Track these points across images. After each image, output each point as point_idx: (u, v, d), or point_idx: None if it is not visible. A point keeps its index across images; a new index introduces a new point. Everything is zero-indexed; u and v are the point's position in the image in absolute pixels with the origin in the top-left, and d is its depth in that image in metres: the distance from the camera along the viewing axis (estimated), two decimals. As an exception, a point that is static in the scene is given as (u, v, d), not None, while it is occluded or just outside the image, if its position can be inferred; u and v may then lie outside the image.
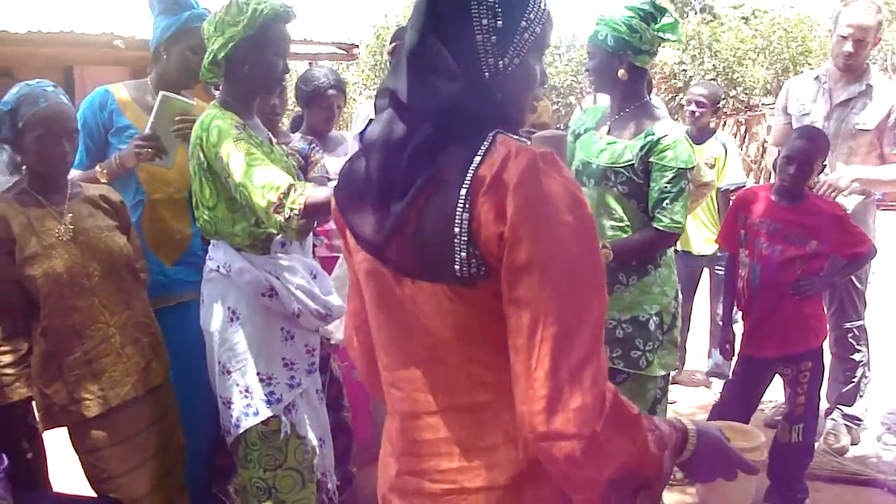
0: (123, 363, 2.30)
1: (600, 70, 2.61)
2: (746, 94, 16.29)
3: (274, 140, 2.49)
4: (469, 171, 1.09)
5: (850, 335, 3.65)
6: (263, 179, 2.07)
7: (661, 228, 2.51)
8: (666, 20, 2.56)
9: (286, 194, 2.03)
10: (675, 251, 4.03)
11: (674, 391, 4.32)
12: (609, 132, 2.66)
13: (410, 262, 1.15)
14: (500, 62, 1.15)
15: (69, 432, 2.31)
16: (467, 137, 1.12)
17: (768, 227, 2.94)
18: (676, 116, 12.97)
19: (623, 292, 2.59)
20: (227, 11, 2.23)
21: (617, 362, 2.58)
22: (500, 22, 1.14)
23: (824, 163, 3.01)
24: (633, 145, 2.54)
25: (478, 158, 1.09)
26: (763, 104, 15.21)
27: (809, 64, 16.30)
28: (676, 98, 15.64)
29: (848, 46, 3.40)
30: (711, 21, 21.11)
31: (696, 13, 24.16)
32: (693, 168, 2.55)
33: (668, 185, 2.48)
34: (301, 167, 2.96)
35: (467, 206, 1.08)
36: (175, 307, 2.66)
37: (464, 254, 1.08)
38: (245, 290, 2.28)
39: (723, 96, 4.63)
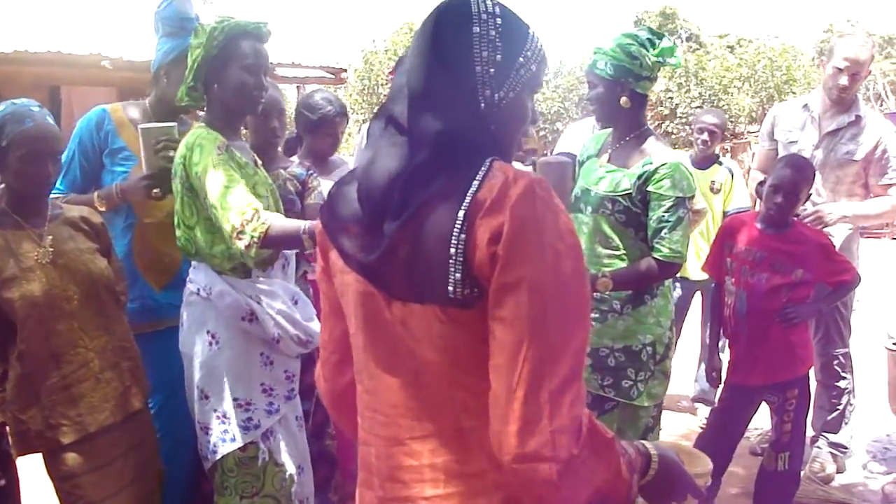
0: (102, 388, 2.25)
1: (602, 99, 2.57)
2: (732, 121, 16.46)
3: (259, 162, 2.47)
4: (468, 193, 1.10)
5: (835, 362, 3.66)
6: (233, 203, 2.06)
7: (660, 259, 2.48)
8: (665, 44, 2.53)
9: (249, 221, 2.03)
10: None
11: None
12: (609, 160, 2.64)
13: (402, 284, 1.15)
14: (496, 95, 1.18)
15: (44, 458, 2.25)
16: (464, 163, 1.14)
17: (754, 256, 2.95)
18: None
19: (617, 321, 2.57)
20: (194, 35, 2.25)
21: (608, 391, 2.55)
22: (499, 56, 1.17)
23: (810, 191, 3.03)
24: (631, 174, 2.51)
25: (476, 182, 1.11)
26: (748, 132, 15.39)
27: (794, 92, 16.51)
28: (663, 125, 15.78)
29: (843, 80, 3.44)
30: (697, 49, 21.42)
31: (682, 42, 24.49)
32: (692, 197, 2.53)
33: (666, 215, 2.45)
34: (298, 193, 2.94)
35: (465, 227, 1.09)
36: (164, 332, 2.62)
37: (458, 275, 1.09)
38: (225, 314, 2.25)
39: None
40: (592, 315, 2.53)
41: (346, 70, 11.71)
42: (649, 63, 2.50)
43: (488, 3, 1.20)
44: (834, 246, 3.12)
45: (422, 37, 1.19)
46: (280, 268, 2.38)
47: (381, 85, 15.74)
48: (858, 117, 3.52)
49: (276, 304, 2.27)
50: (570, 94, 17.44)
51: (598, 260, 2.58)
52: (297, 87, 10.82)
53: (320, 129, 3.29)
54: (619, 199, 2.52)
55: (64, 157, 2.70)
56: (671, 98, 16.65)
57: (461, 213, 1.09)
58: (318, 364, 1.47)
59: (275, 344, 2.27)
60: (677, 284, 4.39)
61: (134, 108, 2.75)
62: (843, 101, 3.51)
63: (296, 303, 2.35)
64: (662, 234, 2.46)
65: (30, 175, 2.17)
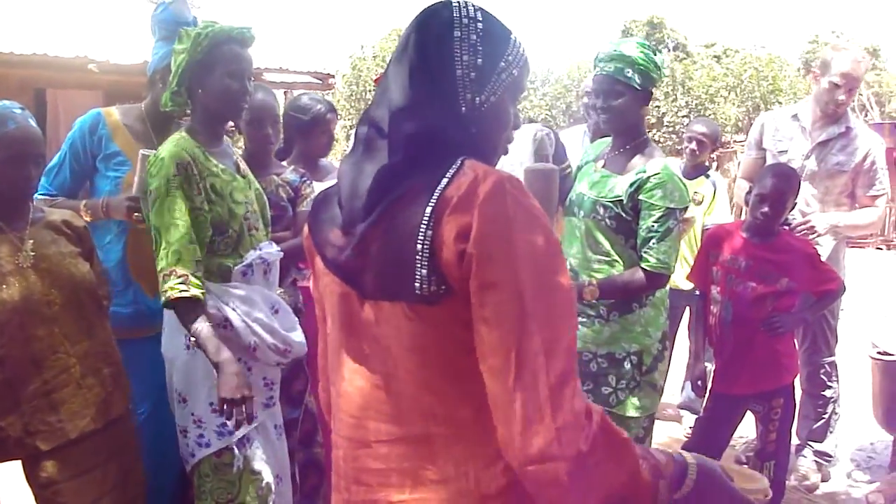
0: (83, 394, 2.22)
1: (625, 109, 2.52)
2: (718, 130, 16.54)
3: (243, 167, 2.46)
4: (436, 190, 1.11)
5: (822, 371, 3.67)
6: (171, 245, 2.14)
7: (648, 269, 2.46)
8: (657, 56, 2.54)
9: (168, 277, 2.11)
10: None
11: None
12: (604, 166, 2.63)
13: (372, 282, 1.17)
14: (477, 98, 1.19)
15: (23, 466, 2.22)
16: (435, 163, 1.14)
17: (740, 265, 2.95)
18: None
19: (603, 326, 2.55)
20: (178, 40, 2.25)
21: (587, 396, 2.53)
22: (480, 60, 1.18)
23: (795, 200, 3.04)
24: (623, 181, 2.50)
25: (445, 180, 1.11)
26: (734, 141, 15.46)
27: (779, 102, 16.64)
28: (649, 134, 15.86)
29: (841, 96, 3.48)
30: (684, 59, 21.53)
31: (669, 51, 24.62)
32: (686, 208, 2.52)
33: (656, 225, 2.43)
34: (290, 199, 2.93)
35: (431, 223, 1.10)
36: (154, 337, 2.59)
37: (424, 271, 1.10)
38: None
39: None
40: (579, 319, 2.52)
41: (333, 76, 11.69)
42: (665, 72, 2.53)
43: (470, 8, 1.21)
44: (819, 255, 3.13)
45: (403, 41, 1.21)
46: (261, 273, 2.35)
47: (369, 91, 15.75)
48: (849, 128, 3.55)
49: (254, 312, 2.26)
50: (557, 101, 17.51)
51: (588, 265, 2.57)
52: (285, 92, 10.80)
53: (315, 129, 3.25)
54: (611, 204, 2.51)
55: (56, 158, 2.69)
56: (658, 107, 16.75)
57: (428, 210, 1.10)
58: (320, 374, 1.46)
59: (251, 352, 2.26)
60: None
61: (129, 113, 2.73)
62: (837, 114, 3.54)
63: (276, 312, 2.33)
64: (651, 244, 2.45)
65: (12, 178, 2.15)
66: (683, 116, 16.90)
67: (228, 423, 2.14)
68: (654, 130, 16.29)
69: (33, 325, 2.15)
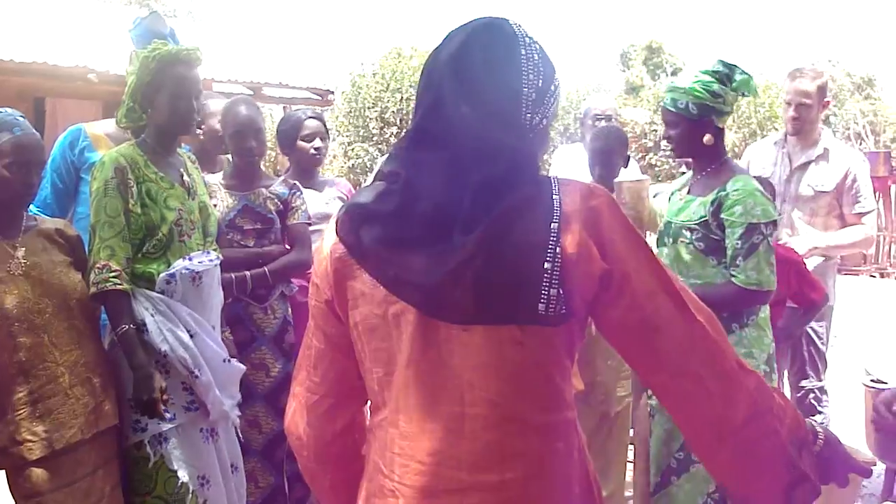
0: (71, 404, 2.21)
1: (683, 138, 2.55)
2: (715, 155, 16.60)
3: (188, 178, 2.51)
4: (555, 205, 1.11)
5: (811, 396, 3.67)
6: (106, 241, 2.26)
7: (738, 284, 2.42)
8: (740, 77, 2.50)
9: (101, 269, 2.22)
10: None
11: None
12: (689, 192, 2.64)
13: (468, 305, 1.09)
14: (535, 118, 1.18)
15: (7, 476, 2.20)
16: (530, 177, 1.14)
17: None
18: (647, 175, 13.15)
19: None
20: (129, 62, 2.40)
21: None
22: (540, 82, 1.17)
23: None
24: (706, 201, 2.50)
25: (556, 196, 1.12)
26: (731, 166, 15.49)
27: (776, 128, 16.70)
28: (646, 157, 15.90)
29: (791, 111, 3.59)
30: (682, 83, 21.57)
31: (667, 75, 24.76)
32: (774, 222, 2.48)
33: (739, 242, 2.41)
34: (279, 212, 2.93)
35: (558, 240, 1.08)
36: None
37: (554, 290, 1.07)
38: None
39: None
40: None
41: (332, 92, 11.73)
42: (730, 99, 2.50)
43: (522, 27, 1.20)
44: (805, 264, 3.19)
45: (459, 49, 1.16)
46: (188, 282, 2.38)
47: (368, 108, 15.78)
48: (826, 150, 3.63)
49: (168, 323, 2.32)
50: (555, 122, 17.56)
51: None
52: (284, 107, 10.82)
53: (296, 136, 3.24)
54: (696, 227, 2.51)
55: None
56: (655, 130, 16.80)
57: (554, 226, 1.08)
58: (291, 411, 1.35)
59: (162, 357, 2.32)
60: None
61: (110, 124, 2.76)
62: (799, 131, 3.61)
63: (192, 336, 2.36)
64: (738, 261, 2.42)
65: (15, 183, 2.16)
66: (680, 141, 16.96)
67: (141, 420, 2.29)
68: (651, 154, 16.33)
69: (23, 332, 2.14)
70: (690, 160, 2.70)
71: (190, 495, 2.35)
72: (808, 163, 3.63)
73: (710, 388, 1.13)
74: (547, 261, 1.07)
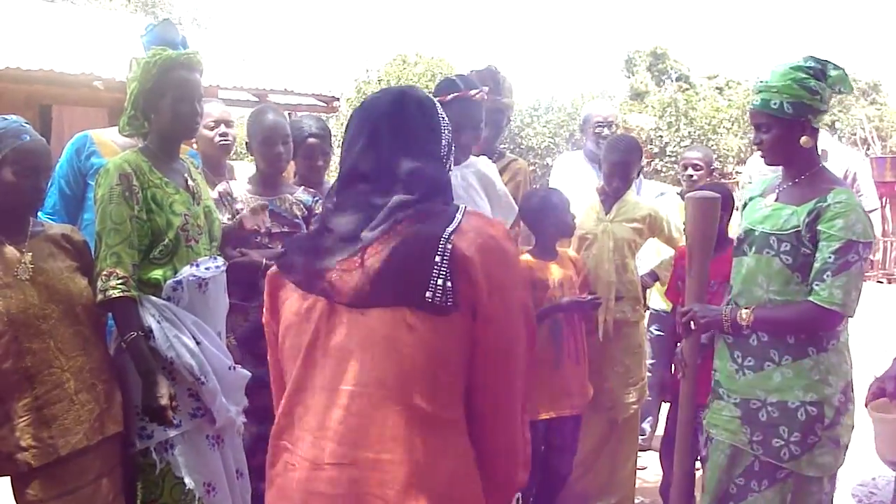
0: (76, 410, 2.20)
1: (778, 142, 2.32)
2: (720, 161, 16.61)
3: (192, 182, 2.51)
4: (457, 220, 1.30)
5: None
6: (112, 248, 2.25)
7: (817, 302, 2.21)
8: (834, 72, 2.30)
9: (108, 277, 2.23)
10: (647, 308, 4.02)
11: (644, 457, 4.25)
12: (777, 199, 2.40)
13: (368, 289, 1.26)
14: (448, 157, 1.47)
15: (11, 482, 2.19)
16: (442, 200, 1.39)
17: (710, 284, 2.90)
18: (652, 181, 13.14)
19: (773, 371, 2.31)
20: (130, 68, 2.40)
21: (755, 447, 2.33)
22: (448, 130, 1.48)
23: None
24: (800, 210, 2.28)
25: (459, 216, 1.31)
26: (736, 172, 15.50)
27: (781, 135, 16.66)
28: (652, 163, 15.89)
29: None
30: (688, 90, 21.64)
31: (672, 81, 24.77)
32: (871, 244, 2.27)
33: (833, 256, 2.19)
34: (304, 218, 2.97)
35: (451, 240, 1.26)
36: None
37: (441, 281, 1.22)
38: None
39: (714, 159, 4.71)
40: (746, 363, 2.38)
41: (338, 99, 11.73)
42: (827, 95, 2.30)
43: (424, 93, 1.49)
44: None
45: (399, 106, 1.42)
46: (195, 288, 2.38)
47: (373, 114, 15.75)
48: (824, 151, 3.61)
49: (175, 330, 2.31)
50: (560, 129, 17.55)
51: (752, 298, 2.38)
52: (289, 113, 10.84)
53: (297, 152, 3.19)
54: (786, 237, 2.30)
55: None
56: (661, 136, 16.79)
57: (450, 229, 1.27)
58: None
59: (168, 364, 2.31)
60: (654, 324, 4.38)
61: (117, 131, 2.74)
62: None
63: (198, 343, 2.36)
64: (824, 276, 2.20)
65: (23, 189, 2.17)
66: (686, 147, 16.95)
67: (147, 427, 2.29)
68: (657, 160, 16.32)
69: (28, 338, 2.14)
70: (782, 167, 2.45)
71: (196, 502, 2.35)
72: None
73: (517, 444, 1.37)
74: (438, 254, 1.23)
